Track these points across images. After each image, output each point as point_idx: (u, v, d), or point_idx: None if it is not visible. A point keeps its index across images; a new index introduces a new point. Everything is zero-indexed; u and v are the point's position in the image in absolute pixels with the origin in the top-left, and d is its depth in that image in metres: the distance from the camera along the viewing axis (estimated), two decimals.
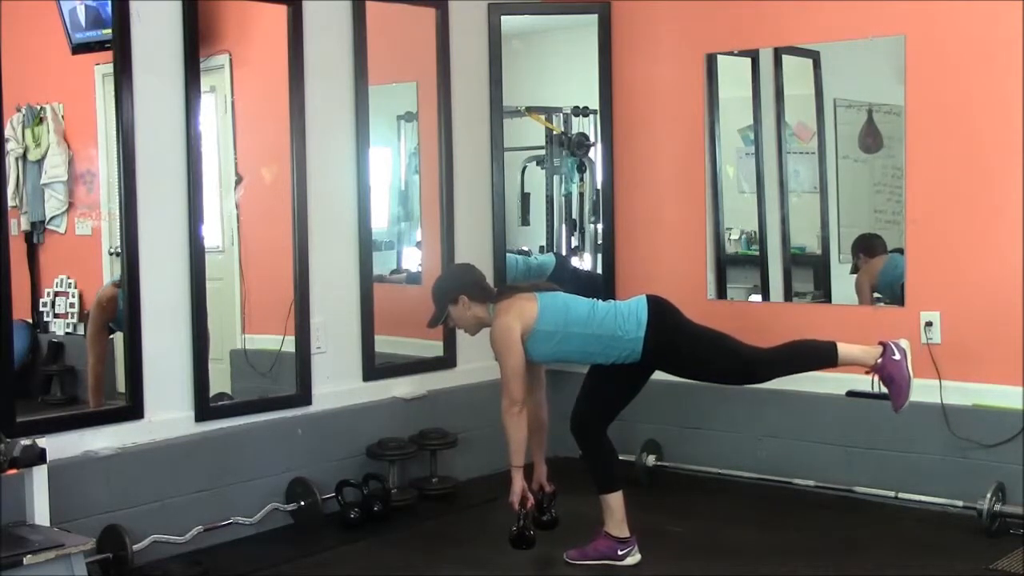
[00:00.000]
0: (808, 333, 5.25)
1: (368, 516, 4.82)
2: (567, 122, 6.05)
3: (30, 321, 4.69)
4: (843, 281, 5.32)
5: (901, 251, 5.04)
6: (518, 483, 4.25)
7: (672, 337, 4.23)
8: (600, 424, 4.34)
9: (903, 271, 5.03)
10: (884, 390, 4.20)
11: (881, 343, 4.21)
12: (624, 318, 4.20)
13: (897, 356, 4.17)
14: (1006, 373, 4.73)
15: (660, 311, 4.25)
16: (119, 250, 4.40)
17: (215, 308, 4.72)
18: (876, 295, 5.22)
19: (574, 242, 6.17)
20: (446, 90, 5.55)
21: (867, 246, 5.24)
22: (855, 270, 5.27)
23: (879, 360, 4.18)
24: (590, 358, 4.28)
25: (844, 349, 4.24)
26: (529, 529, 4.28)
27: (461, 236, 5.61)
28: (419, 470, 5.23)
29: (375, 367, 5.26)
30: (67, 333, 4.73)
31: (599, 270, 5.99)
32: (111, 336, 4.61)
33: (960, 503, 4.69)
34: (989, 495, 4.54)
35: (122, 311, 4.41)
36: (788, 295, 5.50)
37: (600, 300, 4.35)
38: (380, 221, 5.56)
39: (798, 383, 5.24)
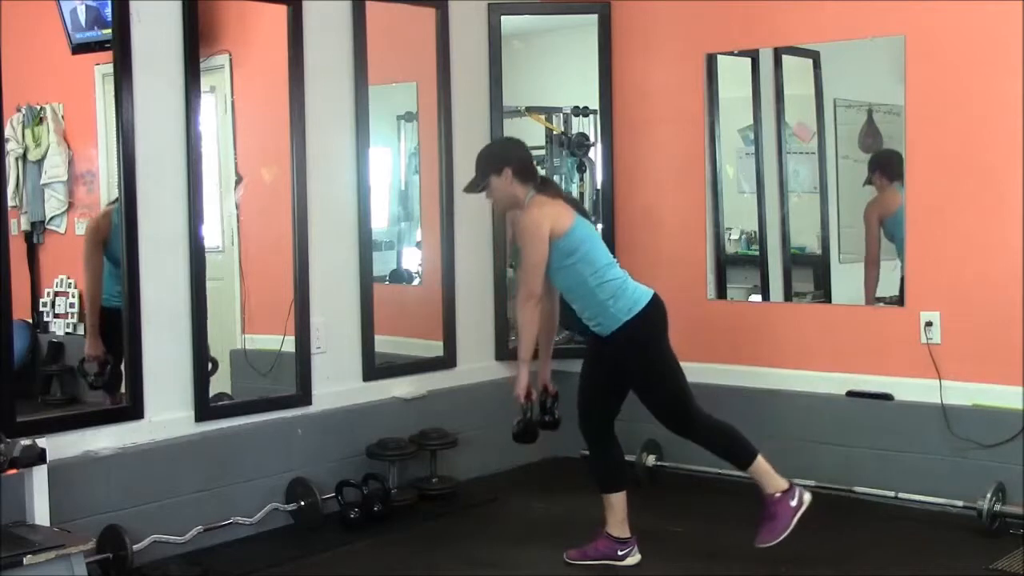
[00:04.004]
0: (808, 333, 5.29)
1: (368, 516, 4.81)
2: (567, 122, 6.04)
3: (30, 321, 4.69)
4: (843, 281, 5.32)
5: None
6: (523, 375, 4.22)
7: (645, 343, 4.20)
8: (599, 420, 4.33)
9: None
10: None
11: (791, 483, 4.22)
12: (623, 297, 4.17)
13: (794, 503, 4.19)
14: (1006, 373, 4.73)
15: (656, 315, 4.23)
16: None
17: (215, 308, 4.72)
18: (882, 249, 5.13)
19: None
20: (446, 90, 5.55)
21: (887, 165, 5.04)
22: (868, 182, 5.13)
23: (778, 494, 4.20)
24: (570, 300, 4.24)
25: (761, 462, 4.24)
26: (533, 424, 4.26)
27: (461, 236, 5.61)
28: (419, 470, 5.23)
29: (375, 367, 5.25)
30: (67, 333, 4.73)
31: None
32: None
33: (960, 503, 4.69)
34: (989, 495, 4.54)
35: (116, 228, 4.37)
36: (788, 295, 5.50)
37: (617, 262, 4.30)
38: (380, 221, 5.57)
39: (798, 383, 5.28)
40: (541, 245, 4.12)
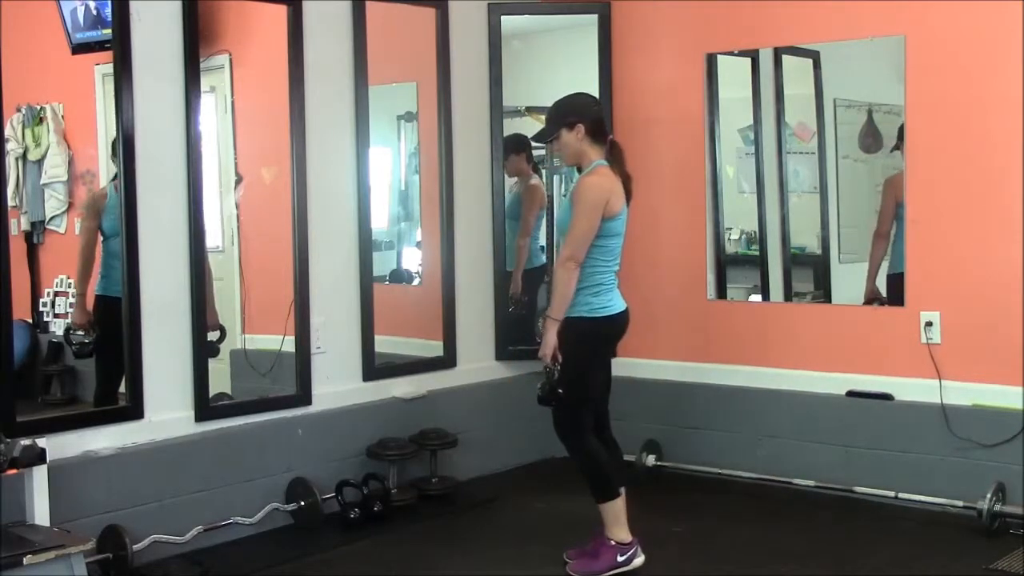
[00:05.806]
0: (808, 333, 5.29)
1: (368, 516, 4.81)
2: None
3: (30, 321, 4.69)
4: (843, 281, 5.32)
5: None
6: (552, 336, 4.14)
7: (580, 341, 4.16)
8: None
9: None
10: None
11: (633, 542, 4.20)
12: (597, 296, 4.15)
13: (621, 559, 4.17)
14: (1006, 373, 4.73)
15: (607, 328, 4.21)
16: None
17: (215, 308, 4.72)
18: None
19: None
20: (446, 90, 5.55)
21: None
22: (896, 148, 5.05)
23: (613, 542, 4.18)
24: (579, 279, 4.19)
25: (619, 507, 4.20)
26: (559, 386, 4.19)
27: (461, 236, 5.61)
28: (419, 470, 5.23)
29: (375, 367, 5.25)
30: None
31: None
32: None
33: (960, 503, 4.69)
34: (989, 495, 4.54)
35: (112, 202, 4.37)
36: (788, 295, 5.50)
37: (619, 269, 4.26)
38: (380, 221, 5.56)
39: (798, 383, 5.27)
40: (595, 217, 4.09)
